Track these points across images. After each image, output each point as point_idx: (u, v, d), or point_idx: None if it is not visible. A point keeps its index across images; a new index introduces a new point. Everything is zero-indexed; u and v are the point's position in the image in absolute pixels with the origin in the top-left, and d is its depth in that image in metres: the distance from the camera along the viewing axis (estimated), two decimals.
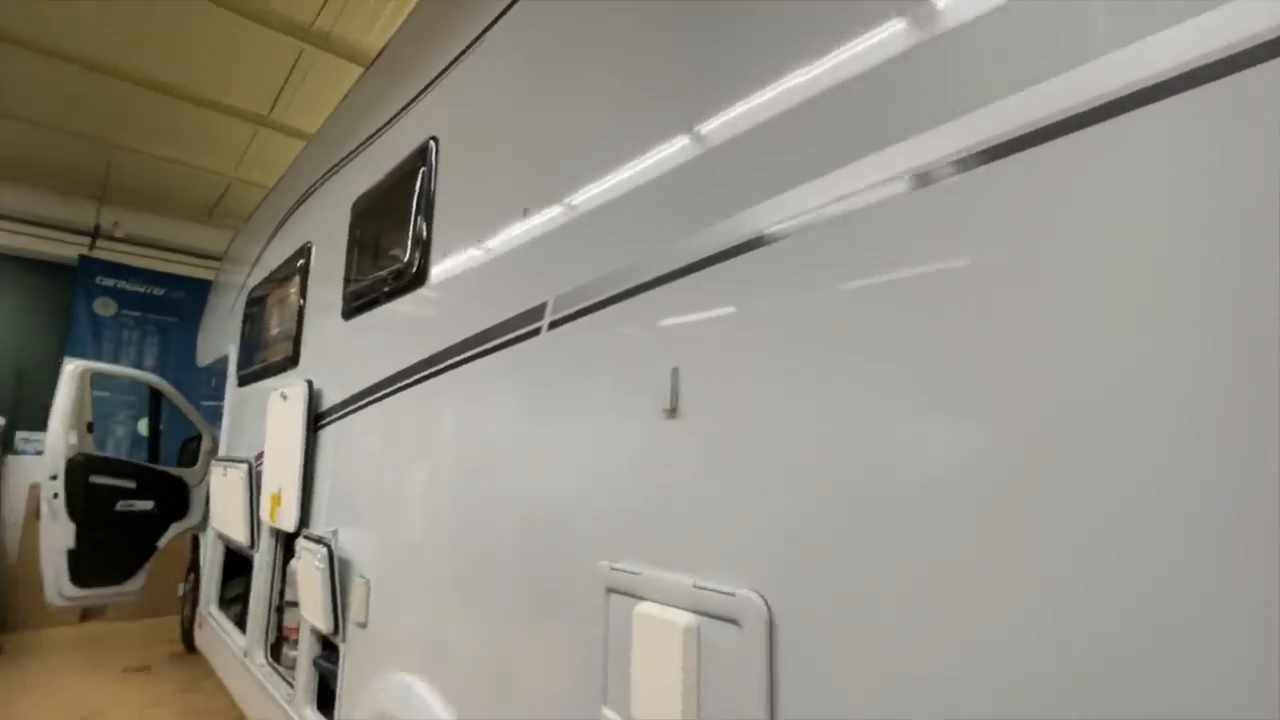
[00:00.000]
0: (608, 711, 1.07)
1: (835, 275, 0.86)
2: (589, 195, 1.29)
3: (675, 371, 1.04)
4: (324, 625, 2.04)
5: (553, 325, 1.33)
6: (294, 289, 3.03)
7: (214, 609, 3.65)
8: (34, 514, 4.81)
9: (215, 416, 4.21)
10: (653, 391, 1.07)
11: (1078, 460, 0.64)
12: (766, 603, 0.87)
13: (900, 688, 0.74)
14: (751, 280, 0.96)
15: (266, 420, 2.86)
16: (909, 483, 0.75)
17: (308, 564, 2.14)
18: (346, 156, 2.59)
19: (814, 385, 0.86)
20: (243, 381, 3.74)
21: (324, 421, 2.46)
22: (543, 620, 1.27)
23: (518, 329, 1.44)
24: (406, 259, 1.95)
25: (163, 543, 4.25)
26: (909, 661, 0.73)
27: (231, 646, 3.16)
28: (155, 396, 4.63)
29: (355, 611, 1.96)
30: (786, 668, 0.85)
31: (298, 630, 2.41)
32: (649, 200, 1.15)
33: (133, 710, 3.64)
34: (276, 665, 2.71)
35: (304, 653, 2.28)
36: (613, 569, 1.10)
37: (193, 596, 4.39)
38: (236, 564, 3.64)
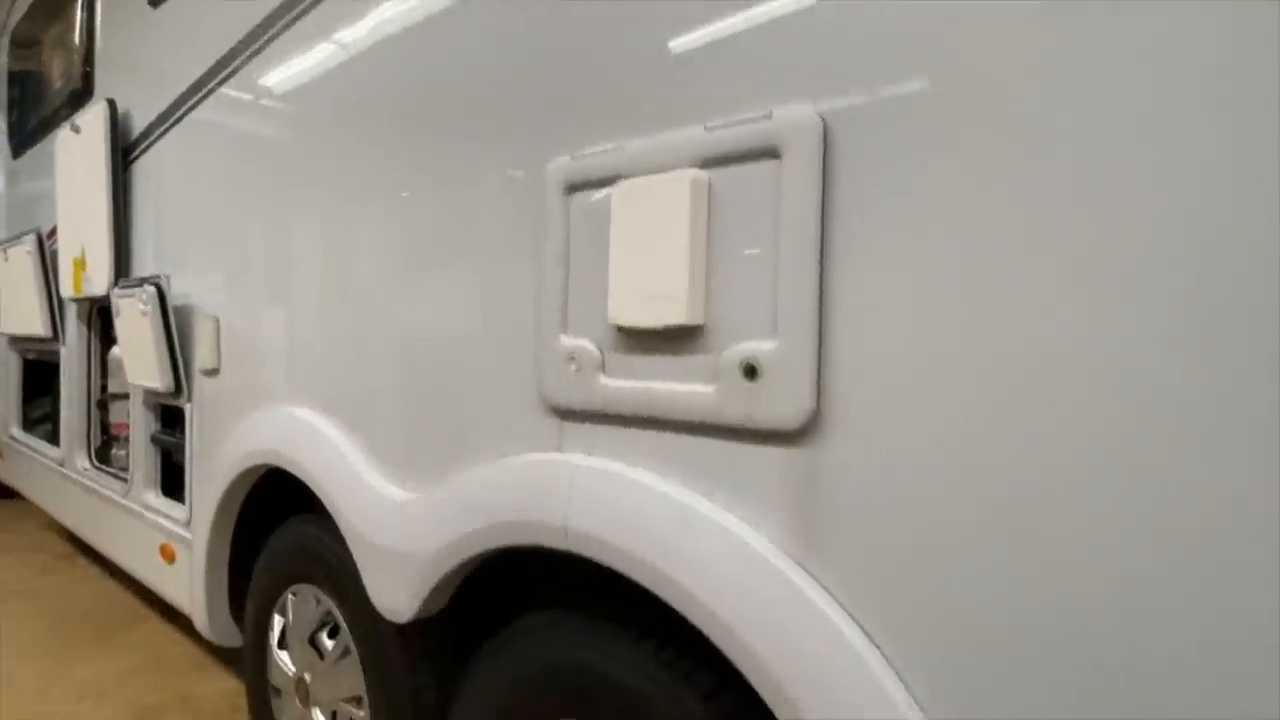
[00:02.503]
0: (567, 339, 0.83)
1: None
2: None
3: None
4: (160, 382, 1.62)
5: None
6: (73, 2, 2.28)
7: (16, 431, 3.02)
8: None
9: None
10: None
11: None
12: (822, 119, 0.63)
13: None
14: None
15: (56, 174, 2.20)
16: None
17: (130, 314, 1.67)
18: None
19: None
20: (19, 150, 2.92)
21: (136, 152, 1.89)
22: (476, 267, 0.97)
23: None
24: None
25: None
26: None
27: (46, 464, 2.62)
28: None
29: (202, 358, 1.56)
30: (844, 201, 0.62)
31: (129, 427, 1.97)
32: None
33: None
34: (105, 467, 2.26)
35: (137, 427, 1.86)
36: (574, 159, 0.82)
37: None
38: (40, 380, 2.99)
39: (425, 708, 1.14)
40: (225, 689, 1.97)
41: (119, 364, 2.06)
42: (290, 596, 1.39)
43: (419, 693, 1.15)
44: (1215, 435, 0.46)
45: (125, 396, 2.04)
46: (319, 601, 1.32)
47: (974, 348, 0.55)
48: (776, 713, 0.65)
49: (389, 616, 1.06)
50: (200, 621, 1.60)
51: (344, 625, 1.25)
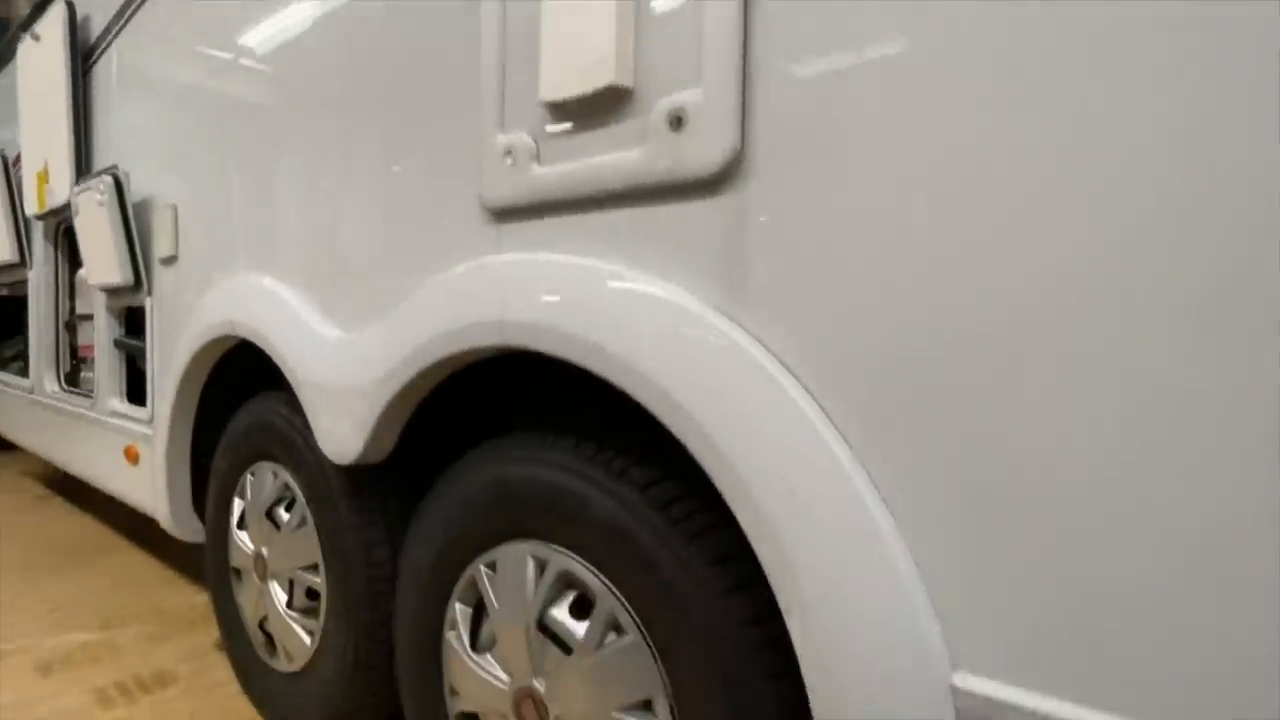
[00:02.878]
0: (503, 136, 0.81)
1: None
2: None
3: None
4: (120, 276, 1.60)
5: None
6: None
7: None
8: None
9: None
10: None
11: None
12: None
13: None
14: None
15: (18, 88, 2.16)
16: None
17: (89, 209, 1.64)
18: None
19: None
20: None
21: (95, 55, 1.86)
22: (412, 91, 0.95)
23: None
24: None
25: None
26: None
27: (17, 396, 2.60)
28: None
29: (161, 247, 1.54)
30: None
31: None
32: None
33: None
34: (74, 389, 2.23)
35: (100, 333, 1.84)
36: None
37: None
38: (14, 320, 2.96)
39: (378, 563, 1.13)
40: (194, 601, 1.97)
41: (85, 280, 2.04)
42: (249, 477, 1.38)
43: (371, 549, 1.14)
44: None
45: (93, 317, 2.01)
46: (276, 476, 1.30)
47: (898, 88, 0.54)
48: (711, 472, 0.64)
49: (337, 459, 1.05)
50: (163, 516, 1.58)
51: (299, 493, 1.24)
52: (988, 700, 0.50)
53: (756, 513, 0.61)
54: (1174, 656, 0.44)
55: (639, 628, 0.76)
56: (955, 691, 0.51)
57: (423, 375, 0.90)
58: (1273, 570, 0.40)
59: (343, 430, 1.03)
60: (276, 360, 1.17)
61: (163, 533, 1.63)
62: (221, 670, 1.57)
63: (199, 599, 1.96)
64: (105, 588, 2.07)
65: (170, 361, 1.49)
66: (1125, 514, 0.45)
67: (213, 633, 1.64)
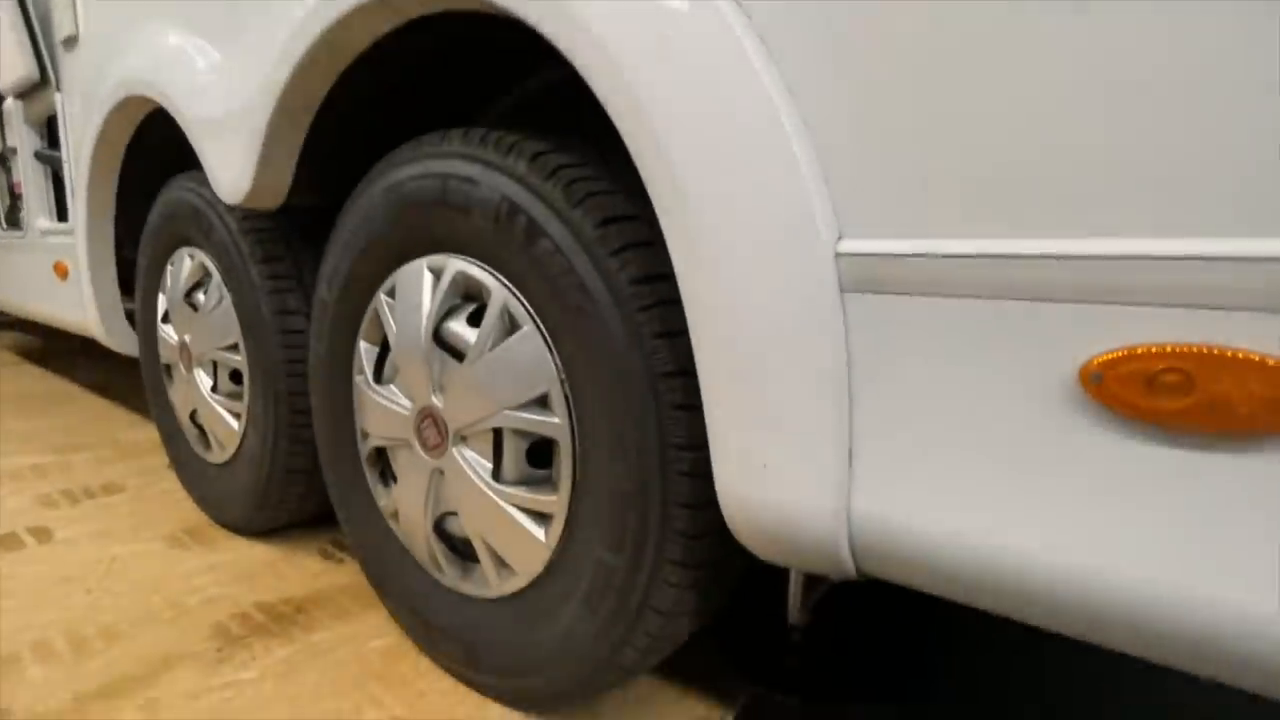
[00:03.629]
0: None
1: None
2: None
3: None
4: (24, 67, 1.47)
5: None
6: None
7: None
8: None
9: None
10: None
11: None
12: None
13: None
14: None
15: None
16: None
17: None
18: None
19: None
20: None
21: None
22: None
23: None
24: None
25: None
26: None
27: None
28: None
29: (61, 26, 1.40)
30: None
31: None
32: None
33: None
34: (13, 228, 2.13)
35: (22, 146, 1.73)
36: None
37: None
38: None
39: (293, 330, 1.08)
40: (153, 436, 1.95)
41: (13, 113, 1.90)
42: (169, 269, 1.30)
43: (285, 317, 1.08)
44: None
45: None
46: (192, 258, 1.23)
47: None
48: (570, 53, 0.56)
49: (229, 198, 0.97)
50: (94, 325, 1.52)
51: (214, 269, 1.17)
52: (870, 258, 0.43)
53: (615, 70, 0.52)
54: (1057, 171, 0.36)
55: (532, 318, 0.70)
56: (840, 257, 0.45)
57: (299, 75, 0.80)
58: None
59: (231, 161, 0.94)
60: (169, 108, 1.06)
61: (128, 383, 1.58)
62: (171, 482, 1.55)
63: (157, 436, 1.94)
64: (66, 426, 2.05)
65: (80, 151, 1.39)
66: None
67: (166, 457, 1.61)
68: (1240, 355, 0.31)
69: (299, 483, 1.15)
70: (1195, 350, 0.32)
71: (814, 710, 0.85)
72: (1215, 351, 0.31)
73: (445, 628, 0.86)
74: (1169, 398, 0.33)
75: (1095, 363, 0.35)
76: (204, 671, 0.90)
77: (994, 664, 0.96)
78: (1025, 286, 0.38)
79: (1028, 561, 0.40)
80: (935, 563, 0.44)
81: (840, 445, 0.45)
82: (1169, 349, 0.33)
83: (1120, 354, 0.34)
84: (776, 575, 0.71)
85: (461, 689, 0.87)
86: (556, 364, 0.69)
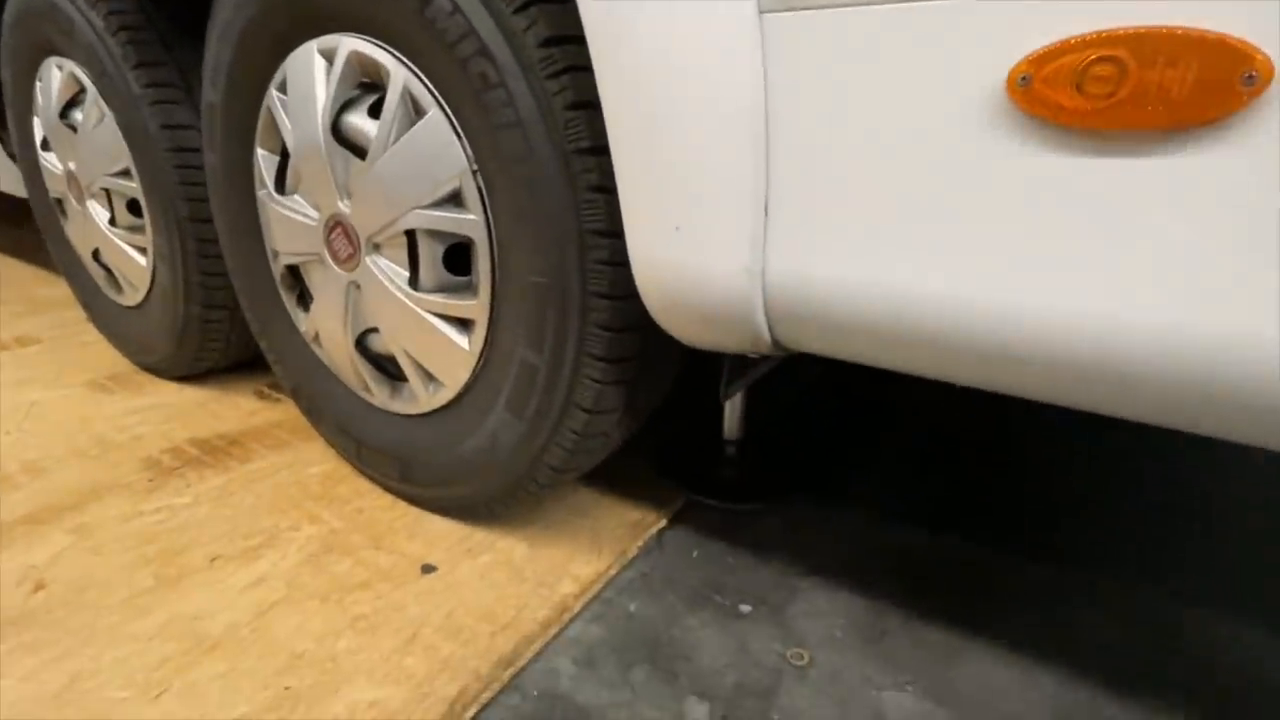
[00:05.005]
0: None
1: None
2: None
3: None
4: None
5: None
6: None
7: None
8: None
9: None
10: None
11: None
12: None
13: None
14: None
15: None
16: None
17: None
18: None
19: None
20: None
21: None
22: None
23: None
24: None
25: None
26: None
27: None
28: None
29: None
30: None
31: None
32: None
33: None
34: None
35: None
36: None
37: None
38: None
39: (187, 148, 0.97)
40: (70, 294, 1.82)
41: None
42: (38, 85, 1.14)
43: (178, 131, 0.97)
44: None
45: None
46: (61, 69, 1.07)
47: None
48: None
49: None
50: None
51: (86, 80, 1.03)
52: None
53: None
54: None
55: (436, 99, 0.63)
56: None
57: None
58: None
59: None
60: None
61: (41, 240, 1.42)
62: (91, 335, 1.47)
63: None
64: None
65: None
66: None
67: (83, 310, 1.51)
68: (1179, 32, 0.28)
69: (221, 319, 1.09)
70: (1131, 32, 0.28)
71: (739, 511, 0.89)
72: (1151, 31, 0.28)
73: (380, 448, 0.85)
74: (1099, 92, 0.30)
75: (1024, 63, 0.31)
76: (135, 499, 0.89)
77: (913, 468, 1.01)
78: None
79: (952, 307, 0.38)
80: (855, 321, 0.43)
81: (756, 198, 0.42)
82: (1103, 34, 0.29)
83: (1052, 47, 0.30)
84: (715, 396, 0.70)
85: (401, 505, 0.88)
86: (467, 152, 0.62)
